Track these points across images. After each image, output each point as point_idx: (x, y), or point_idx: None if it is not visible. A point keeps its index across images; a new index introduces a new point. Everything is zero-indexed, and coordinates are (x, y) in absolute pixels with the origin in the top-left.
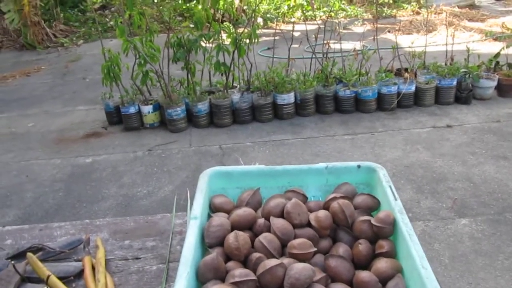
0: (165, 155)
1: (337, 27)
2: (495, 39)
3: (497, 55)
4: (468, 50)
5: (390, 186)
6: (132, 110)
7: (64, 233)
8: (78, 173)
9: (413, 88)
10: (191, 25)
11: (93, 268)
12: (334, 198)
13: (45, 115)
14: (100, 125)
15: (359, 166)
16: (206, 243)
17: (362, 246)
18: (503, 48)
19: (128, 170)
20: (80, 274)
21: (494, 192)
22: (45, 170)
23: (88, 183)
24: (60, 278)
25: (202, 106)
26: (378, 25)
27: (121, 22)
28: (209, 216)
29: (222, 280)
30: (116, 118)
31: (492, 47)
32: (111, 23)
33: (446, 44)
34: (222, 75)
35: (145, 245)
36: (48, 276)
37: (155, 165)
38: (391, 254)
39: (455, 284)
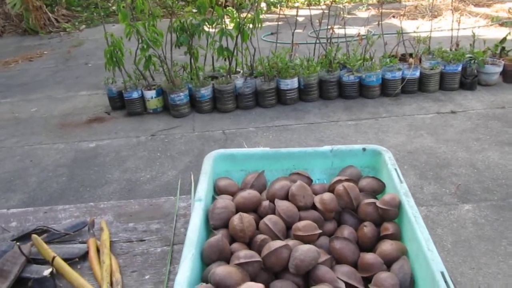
0: (168, 140)
1: (341, 12)
2: (501, 25)
3: (503, 40)
4: (473, 35)
5: (395, 169)
6: (135, 95)
7: (68, 215)
8: (81, 157)
9: (417, 73)
10: (194, 10)
11: (98, 250)
12: (339, 181)
13: (48, 100)
14: (103, 110)
15: (364, 149)
16: (211, 225)
17: (367, 228)
18: (509, 33)
19: (131, 155)
20: (85, 256)
21: (498, 178)
22: (49, 155)
23: (92, 167)
24: (65, 260)
25: (205, 91)
26: (383, 10)
27: (123, 6)
28: (214, 199)
29: (227, 261)
30: (119, 103)
31: (498, 33)
32: (114, 7)
33: (452, 29)
34: (225, 60)
35: (150, 228)
36: (53, 258)
37: (158, 150)
38: (396, 236)
39: (458, 269)
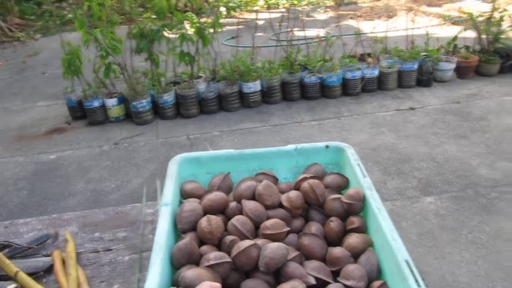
0: (132, 148)
1: (301, 15)
2: (453, 23)
3: (455, 38)
4: (427, 34)
5: (358, 164)
6: (96, 103)
7: (30, 229)
8: (42, 170)
9: (376, 72)
10: (153, 16)
11: (64, 263)
12: (305, 179)
13: (4, 112)
14: (63, 121)
15: (327, 146)
16: (179, 229)
17: (334, 223)
18: (460, 31)
19: (95, 165)
20: (50, 269)
21: (457, 170)
22: (7, 169)
23: (54, 179)
24: (30, 274)
25: (168, 97)
26: (340, 12)
27: (80, 14)
28: (181, 203)
29: (197, 264)
30: (80, 112)
31: (450, 31)
32: (70, 15)
33: (407, 29)
34: (187, 65)
35: (116, 236)
36: (16, 272)
37: (122, 159)
38: (362, 229)
39: (423, 259)
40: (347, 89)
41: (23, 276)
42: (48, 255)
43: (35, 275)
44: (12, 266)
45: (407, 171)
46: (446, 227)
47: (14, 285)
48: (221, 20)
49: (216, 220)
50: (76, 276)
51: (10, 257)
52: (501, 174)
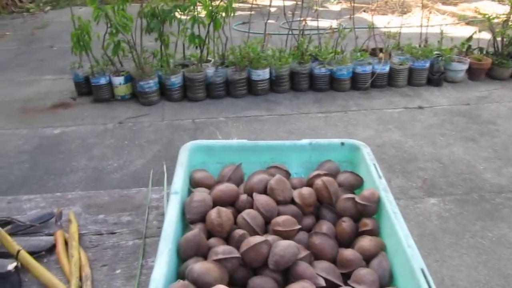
0: (136, 128)
1: (314, 5)
2: (467, 23)
3: (469, 39)
4: (441, 33)
5: (374, 164)
6: (103, 81)
7: (34, 206)
8: (45, 144)
9: (387, 68)
10: None
11: (66, 243)
12: (318, 175)
13: (10, 83)
14: (68, 96)
15: (342, 144)
16: (188, 219)
17: (346, 224)
18: (475, 32)
19: (98, 143)
20: (52, 249)
21: (462, 173)
22: (10, 141)
23: (56, 155)
24: (31, 253)
25: (176, 79)
26: (354, 4)
27: None
28: (190, 191)
29: (204, 257)
30: (86, 89)
31: (464, 31)
32: None
33: (421, 26)
34: (196, 48)
35: (120, 220)
36: (18, 251)
37: (126, 138)
38: (375, 232)
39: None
40: (356, 83)
41: (25, 255)
42: (51, 234)
43: (36, 254)
44: (14, 244)
45: (412, 170)
46: (448, 230)
47: (14, 264)
48: (234, 5)
49: (226, 212)
50: (78, 258)
51: (12, 234)
52: (507, 180)
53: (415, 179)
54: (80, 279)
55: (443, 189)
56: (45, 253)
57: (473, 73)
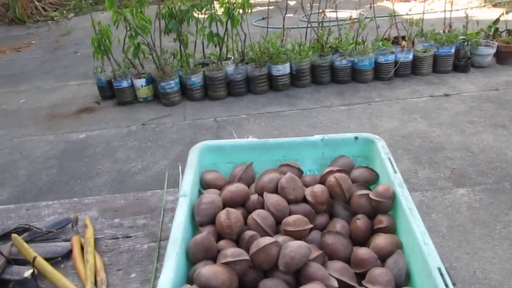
0: (159, 129)
1: None
2: (494, 5)
3: (496, 21)
4: (466, 16)
5: (389, 158)
6: (125, 84)
7: (51, 212)
8: (71, 149)
9: (410, 56)
10: None
11: (82, 248)
12: (331, 172)
13: (37, 91)
14: (92, 100)
15: (356, 138)
16: (197, 222)
17: (360, 221)
18: (502, 14)
19: (122, 145)
20: (68, 254)
21: (492, 161)
22: (38, 147)
23: (82, 159)
24: (48, 259)
25: (196, 79)
26: None
27: None
28: (200, 193)
29: (214, 260)
30: (109, 92)
31: (491, 14)
32: None
33: (445, 11)
34: (215, 46)
35: (136, 223)
36: (35, 258)
37: (149, 140)
38: (391, 229)
39: (453, 254)
40: (379, 73)
41: (41, 261)
42: (68, 240)
43: (53, 260)
44: (30, 251)
45: (440, 160)
46: (478, 220)
47: (31, 270)
48: (252, 1)
49: (235, 214)
50: (94, 263)
51: (30, 241)
52: None
53: (443, 170)
54: (96, 284)
55: (472, 178)
56: (61, 259)
57: (501, 57)
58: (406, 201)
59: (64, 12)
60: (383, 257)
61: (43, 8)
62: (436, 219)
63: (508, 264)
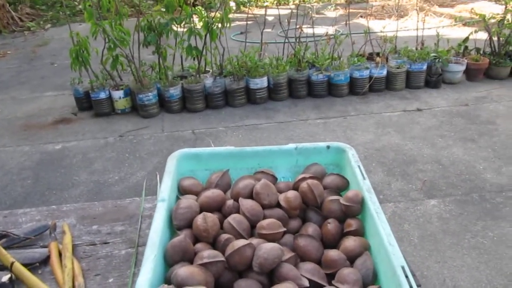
0: (136, 140)
1: (310, 12)
2: (464, 25)
3: (466, 39)
4: (438, 35)
5: (359, 166)
6: (103, 95)
7: (29, 219)
8: (47, 160)
9: (384, 72)
10: (162, 9)
11: (60, 254)
12: (304, 179)
13: (12, 101)
14: (69, 111)
15: (328, 147)
16: (174, 225)
17: (331, 225)
18: (471, 33)
19: (99, 157)
20: (46, 260)
21: (462, 174)
22: (13, 158)
23: (58, 170)
24: (26, 265)
25: (174, 91)
26: (351, 10)
27: (89, 5)
28: (178, 199)
29: (191, 262)
30: (86, 103)
31: (461, 32)
32: (80, 6)
33: (417, 29)
34: (194, 59)
35: (114, 230)
36: (12, 263)
37: (126, 151)
38: (359, 232)
39: (424, 263)
40: (354, 88)
41: (18, 266)
42: (46, 246)
43: (31, 266)
44: (8, 257)
45: (412, 172)
46: (448, 231)
47: (9, 275)
48: (230, 15)
49: (212, 218)
50: (71, 268)
51: (8, 247)
52: (507, 179)
53: (415, 181)
54: None
55: (443, 190)
56: (39, 265)
57: (471, 74)
58: (374, 205)
59: (41, 22)
60: (352, 259)
61: (19, 18)
62: (408, 229)
63: (476, 272)
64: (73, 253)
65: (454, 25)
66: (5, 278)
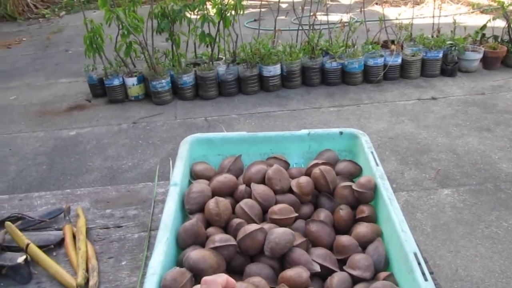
0: (150, 127)
1: None
2: (482, 12)
3: (483, 27)
4: (454, 22)
5: (372, 152)
6: (116, 82)
7: (44, 202)
8: (61, 146)
9: (399, 60)
10: None
11: (74, 237)
12: (316, 164)
13: (27, 87)
14: (83, 98)
15: (341, 133)
16: (187, 209)
17: (343, 211)
18: (489, 20)
19: (113, 143)
20: (60, 242)
21: (477, 163)
22: (28, 143)
23: (72, 155)
24: (41, 247)
25: (188, 78)
26: None
27: None
28: (190, 183)
29: (202, 245)
30: (100, 90)
31: (478, 20)
32: None
33: (433, 16)
34: (207, 46)
35: (127, 214)
36: (28, 245)
37: (140, 138)
38: (372, 218)
39: (437, 252)
40: (368, 76)
41: (34, 248)
42: (60, 229)
43: (45, 248)
44: (23, 238)
45: (426, 161)
46: (462, 220)
47: (24, 256)
48: (244, 2)
49: (224, 202)
50: (85, 251)
51: (23, 229)
52: None
53: (428, 171)
54: (87, 270)
55: (457, 179)
56: (54, 247)
57: (488, 62)
58: (387, 191)
59: (56, 10)
60: (364, 245)
61: (34, 5)
62: (421, 218)
63: (489, 262)
64: (86, 236)
65: (472, 12)
66: (21, 259)
